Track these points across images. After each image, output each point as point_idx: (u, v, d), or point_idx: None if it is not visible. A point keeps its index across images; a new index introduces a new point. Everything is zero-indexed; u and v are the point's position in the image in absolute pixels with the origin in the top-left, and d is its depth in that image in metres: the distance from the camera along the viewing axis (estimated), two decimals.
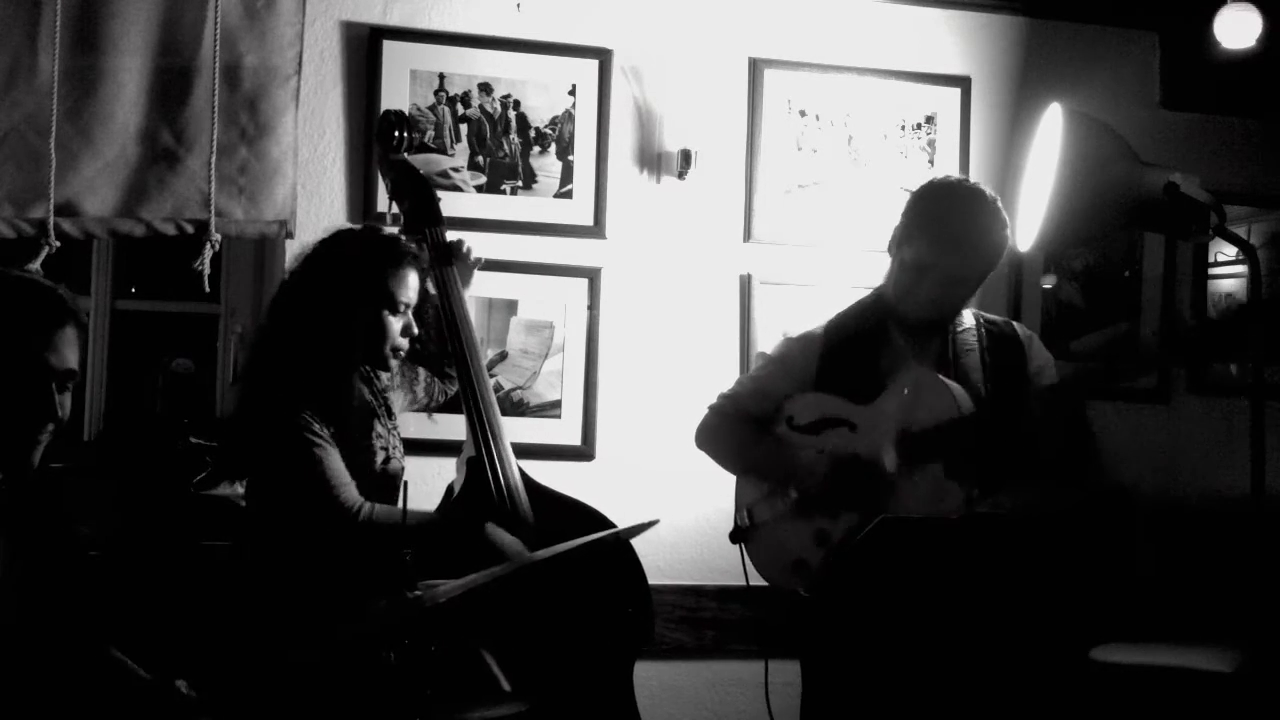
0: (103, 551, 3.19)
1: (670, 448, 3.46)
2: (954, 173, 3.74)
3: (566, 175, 3.59)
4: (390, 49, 3.49)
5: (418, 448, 3.10)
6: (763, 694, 2.87)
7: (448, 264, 2.91)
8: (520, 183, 3.57)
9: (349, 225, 2.89)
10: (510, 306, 3.56)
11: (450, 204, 3.18)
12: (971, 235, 2.67)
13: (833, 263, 3.72)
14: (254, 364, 2.76)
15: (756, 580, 2.77)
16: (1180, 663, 3.18)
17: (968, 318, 2.79)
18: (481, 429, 2.78)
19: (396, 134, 2.98)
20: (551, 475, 2.92)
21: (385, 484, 2.71)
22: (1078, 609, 3.34)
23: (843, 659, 2.69)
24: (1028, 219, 2.55)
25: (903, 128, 3.81)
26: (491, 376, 3.40)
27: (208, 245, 3.27)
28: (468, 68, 3.55)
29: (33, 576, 2.06)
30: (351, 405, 2.68)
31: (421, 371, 3.03)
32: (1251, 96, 4.02)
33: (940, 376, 2.62)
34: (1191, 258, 4.03)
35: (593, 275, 3.59)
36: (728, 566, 2.93)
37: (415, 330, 2.76)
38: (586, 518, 2.75)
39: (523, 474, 2.82)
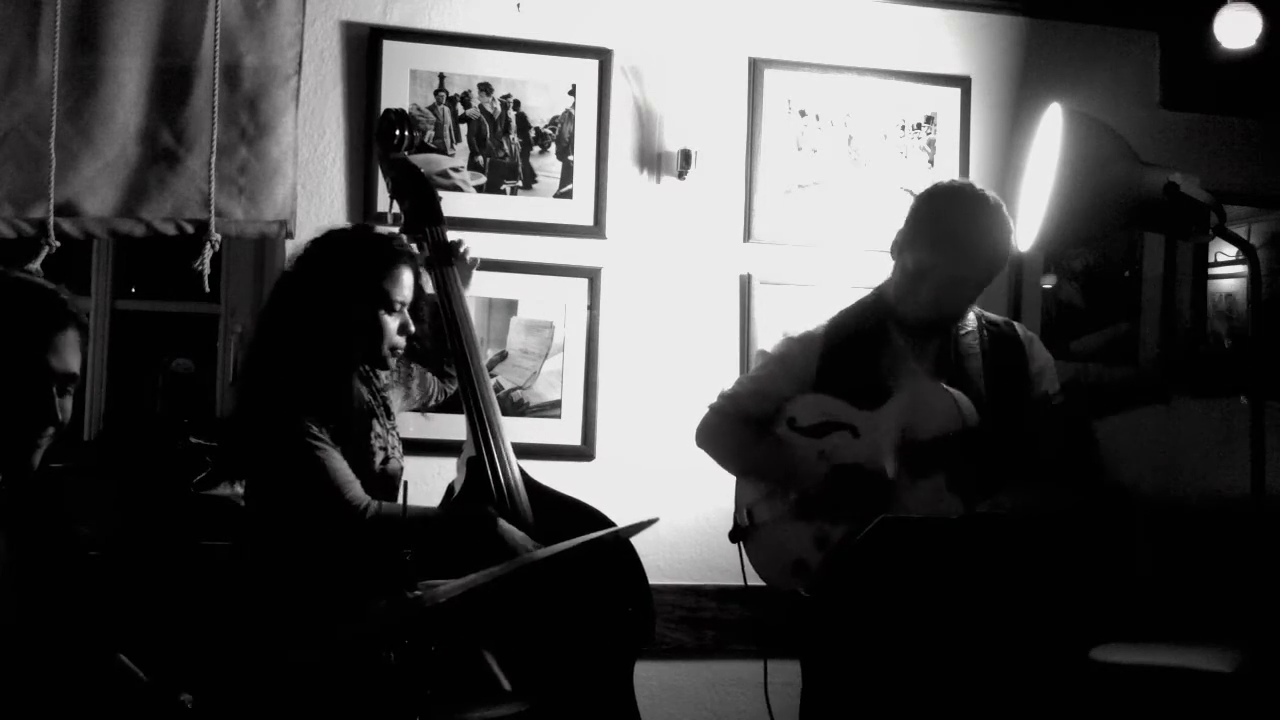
0: (103, 551, 3.18)
1: (670, 448, 3.46)
2: (954, 173, 3.75)
3: (566, 175, 3.59)
4: (390, 49, 3.49)
5: (418, 448, 3.09)
6: (762, 694, 2.87)
7: (448, 264, 2.91)
8: (520, 183, 3.57)
9: (341, 225, 2.87)
10: (510, 306, 3.56)
11: (450, 204, 3.18)
12: (975, 240, 2.66)
13: (833, 263, 3.72)
14: (251, 367, 2.75)
15: (755, 580, 2.77)
16: (1180, 663, 3.17)
17: (970, 319, 2.79)
18: (481, 429, 2.78)
19: (397, 133, 2.98)
20: (551, 475, 2.93)
21: (384, 484, 2.71)
22: (1078, 609, 3.34)
23: (842, 659, 2.69)
24: (1028, 219, 2.55)
25: (903, 128, 3.81)
26: (492, 376, 3.39)
27: (208, 245, 3.27)
28: (468, 68, 3.55)
29: (33, 577, 2.06)
30: (350, 405, 2.68)
31: (420, 370, 3.03)
32: (1251, 96, 4.02)
33: (946, 387, 2.62)
34: (1191, 258, 4.03)
35: (593, 275, 3.59)
36: (728, 566, 2.93)
37: (412, 328, 2.75)
38: (586, 517, 2.75)
39: (523, 474, 2.83)
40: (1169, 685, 3.15)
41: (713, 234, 3.69)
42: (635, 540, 2.74)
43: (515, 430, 3.01)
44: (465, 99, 3.54)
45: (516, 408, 3.53)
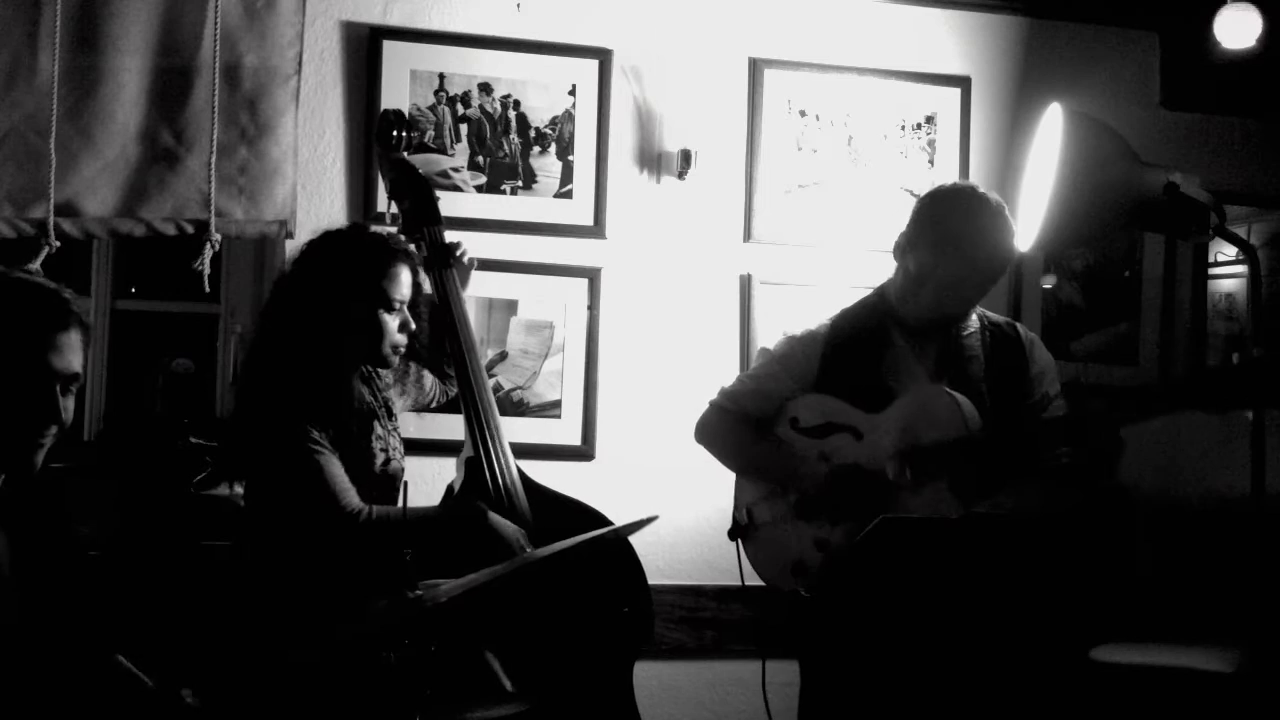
0: (103, 551, 3.18)
1: (670, 448, 3.46)
2: (954, 173, 3.75)
3: (566, 175, 3.59)
4: (390, 49, 3.49)
5: (417, 448, 3.10)
6: (761, 694, 2.87)
7: (446, 266, 2.90)
8: (520, 183, 3.57)
9: (337, 226, 2.87)
10: (510, 306, 3.56)
11: (450, 204, 3.18)
12: (978, 242, 2.66)
13: (833, 263, 3.72)
14: (251, 369, 2.75)
15: (753, 579, 2.77)
16: (1180, 663, 3.17)
17: (972, 320, 2.79)
18: (480, 429, 2.79)
19: (396, 133, 2.98)
20: (551, 475, 2.93)
21: (385, 484, 2.71)
22: (1078, 609, 3.33)
23: (842, 659, 2.68)
24: (1028, 219, 2.55)
25: (903, 128, 3.81)
26: (491, 376, 3.40)
27: (208, 245, 3.27)
28: (468, 68, 3.55)
29: (34, 576, 2.06)
30: (351, 407, 2.68)
31: (419, 370, 3.03)
32: (1251, 96, 4.02)
33: (950, 392, 2.62)
34: (1191, 258, 4.03)
35: (593, 275, 3.59)
36: (727, 566, 2.93)
37: (413, 326, 2.75)
38: (586, 517, 2.75)
39: (521, 474, 2.83)
40: (1169, 685, 3.15)
41: (713, 234, 3.69)
42: (635, 540, 2.74)
43: (515, 430, 3.01)
44: (465, 99, 3.54)
45: (516, 408, 3.53)
